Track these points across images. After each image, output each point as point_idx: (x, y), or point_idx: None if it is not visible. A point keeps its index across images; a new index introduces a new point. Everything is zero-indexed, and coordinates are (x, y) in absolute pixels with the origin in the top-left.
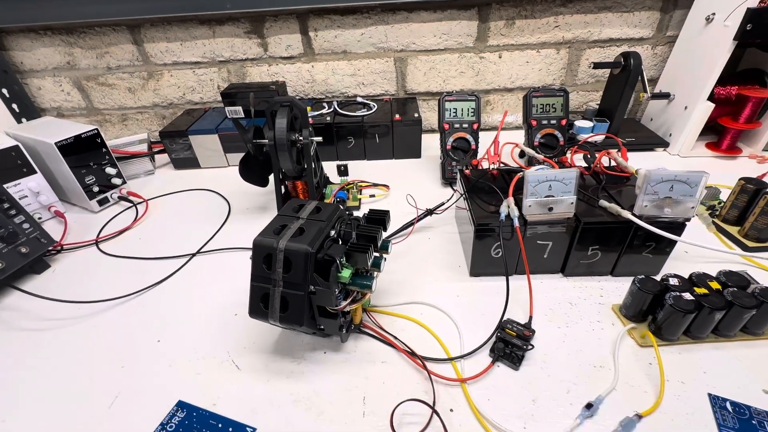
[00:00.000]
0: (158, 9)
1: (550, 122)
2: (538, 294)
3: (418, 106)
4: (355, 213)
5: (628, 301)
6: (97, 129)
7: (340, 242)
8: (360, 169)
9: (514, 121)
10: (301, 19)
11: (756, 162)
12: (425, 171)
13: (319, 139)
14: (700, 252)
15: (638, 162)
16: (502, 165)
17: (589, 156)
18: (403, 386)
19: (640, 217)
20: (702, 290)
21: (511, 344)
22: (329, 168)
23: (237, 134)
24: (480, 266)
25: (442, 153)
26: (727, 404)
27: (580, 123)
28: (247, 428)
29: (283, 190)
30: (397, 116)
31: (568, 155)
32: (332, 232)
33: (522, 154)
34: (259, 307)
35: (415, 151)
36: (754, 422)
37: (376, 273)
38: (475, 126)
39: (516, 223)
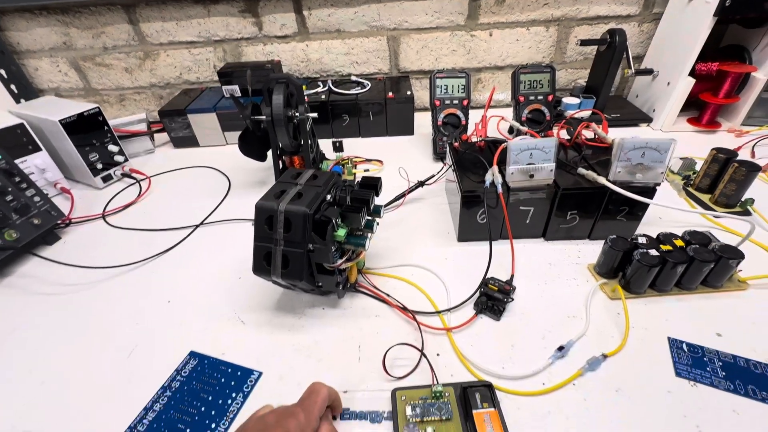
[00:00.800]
0: None
1: (537, 98)
2: (521, 256)
3: (410, 84)
4: None
5: (601, 260)
6: (98, 107)
7: (336, 206)
8: (355, 146)
9: (505, 99)
10: None
11: (734, 136)
12: (418, 147)
13: (315, 115)
14: (673, 217)
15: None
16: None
17: (572, 129)
18: (395, 336)
19: (614, 183)
20: (667, 247)
21: (493, 298)
22: (325, 145)
23: (235, 113)
24: (467, 232)
25: (433, 129)
26: (684, 345)
27: (567, 100)
28: (254, 372)
29: (280, 165)
30: (390, 94)
31: (555, 130)
32: (328, 197)
33: (511, 130)
34: (262, 264)
35: (408, 129)
36: (705, 359)
37: (369, 234)
38: (465, 102)
39: (499, 189)
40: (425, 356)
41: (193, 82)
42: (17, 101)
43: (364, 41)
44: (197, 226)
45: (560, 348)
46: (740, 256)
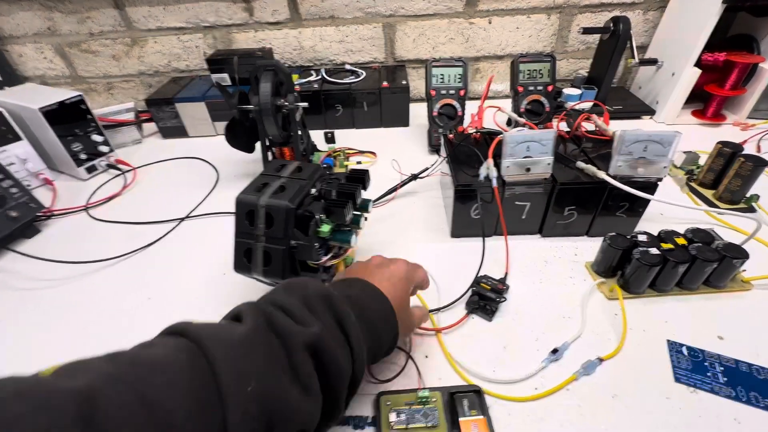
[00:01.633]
0: None
1: (537, 88)
2: (516, 253)
3: (407, 73)
4: None
5: (599, 258)
6: (81, 95)
7: (322, 200)
8: (348, 137)
9: (504, 89)
10: None
11: (740, 129)
12: (413, 139)
13: (305, 104)
14: (675, 214)
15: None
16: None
17: (571, 121)
18: None
19: (614, 177)
20: (668, 245)
21: (485, 298)
22: (317, 137)
23: (224, 102)
24: (460, 227)
25: (429, 120)
26: (683, 348)
27: (568, 91)
28: None
29: (270, 157)
30: (385, 83)
31: (555, 122)
32: (313, 190)
33: (510, 122)
34: (243, 261)
35: (403, 119)
36: (706, 363)
37: (356, 230)
38: (462, 93)
39: (495, 183)
40: (412, 359)
41: (183, 70)
42: (0, 89)
43: (358, 28)
44: (182, 219)
45: (554, 350)
46: (744, 255)
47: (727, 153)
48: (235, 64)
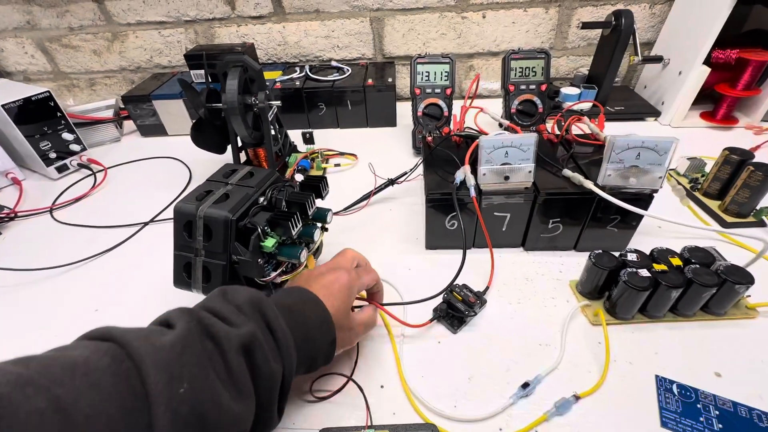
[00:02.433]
0: None
1: (530, 87)
2: (495, 268)
3: (395, 71)
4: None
5: (584, 277)
6: (48, 91)
7: (274, 210)
8: (331, 138)
9: (498, 89)
10: None
11: (753, 133)
12: (399, 140)
13: (278, 103)
14: (674, 228)
15: (620, 132)
16: (467, 131)
17: (563, 122)
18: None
19: (603, 188)
20: (661, 267)
21: (453, 308)
22: (297, 137)
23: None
24: (435, 238)
25: (413, 120)
26: (674, 387)
27: (566, 90)
28: None
29: (243, 159)
30: (370, 81)
31: (549, 124)
32: (261, 199)
33: (500, 124)
34: (182, 276)
35: (389, 119)
36: (699, 406)
37: (309, 243)
38: (449, 91)
39: (472, 192)
40: (361, 390)
41: (165, 66)
42: None
43: (345, 23)
44: (145, 224)
45: (525, 385)
46: (749, 279)
47: (735, 161)
48: (204, 60)
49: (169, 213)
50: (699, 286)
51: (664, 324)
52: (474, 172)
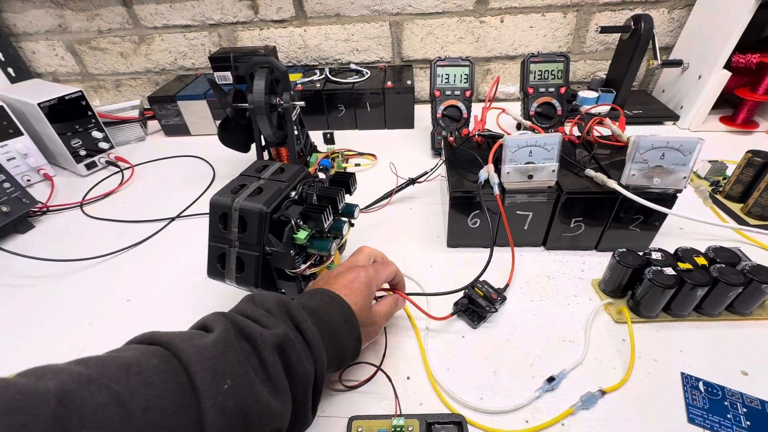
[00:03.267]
0: None
1: (549, 90)
2: (516, 267)
3: (413, 73)
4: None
5: (607, 276)
6: (81, 91)
7: (304, 204)
8: (350, 139)
9: (516, 92)
10: None
11: None
12: (417, 141)
13: (302, 103)
14: (696, 229)
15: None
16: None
17: (584, 125)
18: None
19: (626, 188)
20: (686, 265)
21: (474, 303)
22: (317, 137)
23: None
24: (457, 237)
25: (432, 122)
26: (700, 384)
27: (583, 93)
28: None
29: (266, 157)
30: (389, 83)
31: (567, 127)
32: (293, 193)
33: (519, 126)
34: (216, 267)
35: (407, 121)
36: (726, 403)
37: (343, 234)
38: (468, 93)
39: (496, 190)
40: (390, 380)
41: (189, 68)
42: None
43: (364, 27)
44: (172, 219)
45: (550, 379)
46: None
47: (758, 163)
48: (231, 62)
49: (195, 209)
50: (725, 285)
51: (689, 323)
52: (497, 171)
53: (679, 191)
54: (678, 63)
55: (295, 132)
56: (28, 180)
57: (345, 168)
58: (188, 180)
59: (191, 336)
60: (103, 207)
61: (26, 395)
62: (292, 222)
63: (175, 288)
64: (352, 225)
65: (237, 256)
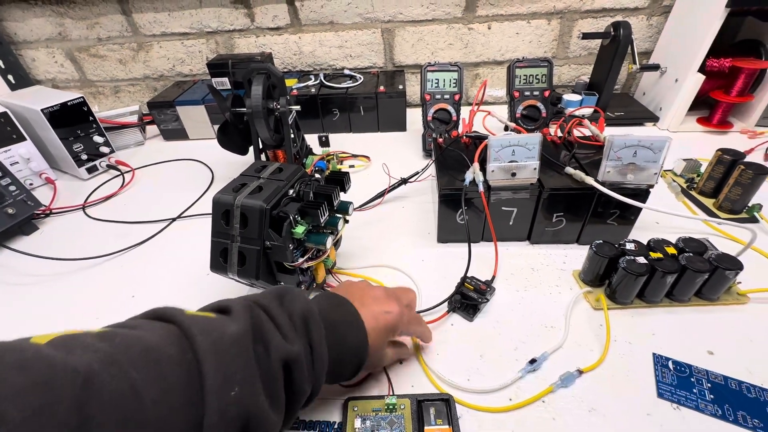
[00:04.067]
0: None
1: (533, 94)
2: (502, 260)
3: (405, 78)
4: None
5: (586, 266)
6: (82, 97)
7: (302, 201)
8: (344, 142)
9: (502, 96)
10: None
11: (747, 137)
12: (409, 143)
13: (297, 107)
14: (671, 222)
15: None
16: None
17: (565, 126)
18: None
19: (603, 184)
20: (657, 255)
21: (467, 297)
22: (312, 140)
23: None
24: (447, 232)
25: (423, 124)
26: (670, 363)
27: (568, 96)
28: None
29: (264, 160)
30: (382, 88)
31: (553, 128)
32: (291, 191)
33: (507, 128)
34: (218, 261)
35: (400, 124)
36: (692, 380)
37: (338, 230)
38: (457, 97)
39: (480, 188)
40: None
41: (187, 74)
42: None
43: (357, 34)
44: (174, 219)
45: (532, 360)
46: (738, 266)
47: (727, 160)
48: (228, 68)
49: (196, 209)
50: (692, 272)
51: (661, 309)
52: (483, 170)
53: (651, 186)
54: (655, 67)
55: (292, 135)
56: (31, 184)
57: (339, 169)
58: (188, 182)
59: (211, 328)
60: (105, 209)
61: (56, 371)
62: (291, 217)
63: (179, 284)
64: (346, 221)
65: (239, 250)
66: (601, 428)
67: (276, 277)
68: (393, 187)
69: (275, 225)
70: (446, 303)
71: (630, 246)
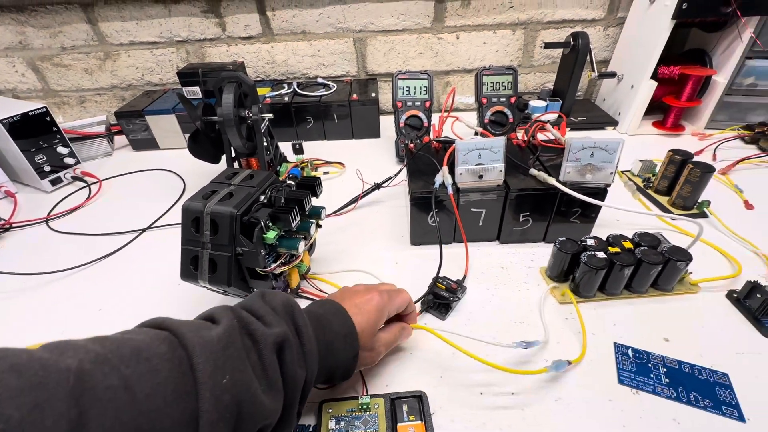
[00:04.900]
0: None
1: (500, 100)
2: (473, 260)
3: (378, 86)
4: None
5: (551, 263)
6: (45, 107)
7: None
8: (319, 149)
9: (473, 103)
10: None
11: (698, 139)
12: (383, 150)
13: (270, 116)
14: (630, 219)
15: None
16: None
17: (529, 129)
18: None
19: (564, 184)
20: (615, 249)
21: (440, 297)
22: (287, 148)
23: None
24: (419, 235)
25: (396, 131)
26: (629, 351)
27: (534, 103)
28: None
29: (236, 167)
30: (355, 96)
31: (518, 133)
32: (262, 197)
33: (476, 132)
34: (189, 269)
35: (373, 131)
36: (650, 365)
37: (311, 234)
38: (428, 104)
39: (450, 190)
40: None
41: (156, 83)
42: None
43: (330, 43)
44: (143, 230)
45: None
46: (688, 257)
47: (678, 160)
48: (199, 77)
49: (167, 219)
50: (647, 265)
51: (621, 300)
52: (452, 173)
53: (609, 185)
54: (612, 75)
55: (265, 143)
56: None
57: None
58: (158, 192)
59: (199, 327)
60: (71, 222)
61: (49, 371)
62: (262, 223)
63: (148, 295)
64: (319, 226)
65: (210, 257)
66: (565, 416)
67: (249, 283)
68: (366, 193)
69: (246, 231)
70: (419, 303)
71: (590, 242)
